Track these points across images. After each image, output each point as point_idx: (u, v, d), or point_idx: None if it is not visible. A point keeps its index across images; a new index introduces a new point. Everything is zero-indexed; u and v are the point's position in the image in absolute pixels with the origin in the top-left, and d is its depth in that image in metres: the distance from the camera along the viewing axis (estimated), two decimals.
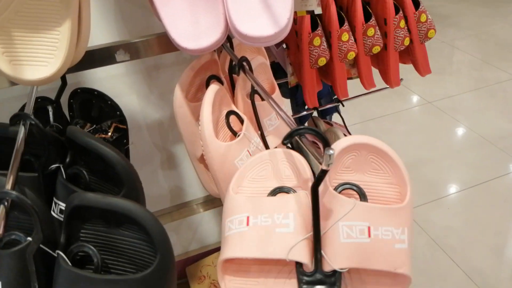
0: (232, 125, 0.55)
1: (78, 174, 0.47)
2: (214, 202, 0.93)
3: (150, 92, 0.77)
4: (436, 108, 2.02)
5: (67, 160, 0.48)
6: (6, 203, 0.37)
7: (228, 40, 0.60)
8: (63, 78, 0.60)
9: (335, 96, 0.91)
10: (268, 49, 0.88)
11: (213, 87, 0.52)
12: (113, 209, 0.35)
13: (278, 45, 0.87)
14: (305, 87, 0.82)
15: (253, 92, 0.55)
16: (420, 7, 0.79)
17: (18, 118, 0.44)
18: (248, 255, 0.37)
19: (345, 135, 0.94)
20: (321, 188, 0.38)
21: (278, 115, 0.45)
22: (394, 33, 0.78)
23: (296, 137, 0.39)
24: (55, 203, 0.47)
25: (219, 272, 0.40)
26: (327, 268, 0.37)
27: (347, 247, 0.36)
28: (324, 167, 0.35)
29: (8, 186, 0.39)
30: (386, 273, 0.38)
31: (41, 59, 0.40)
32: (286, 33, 0.46)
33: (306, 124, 1.09)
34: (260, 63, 0.59)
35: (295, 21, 0.75)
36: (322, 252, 0.37)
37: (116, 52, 0.60)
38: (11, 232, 0.39)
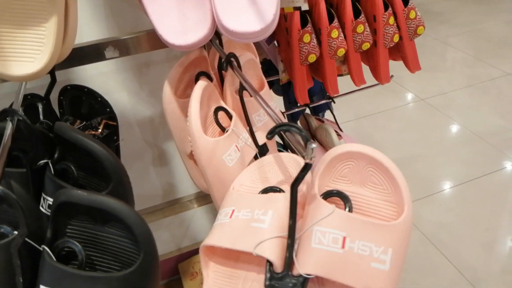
0: (221, 121, 0.56)
1: (66, 170, 0.47)
2: (206, 198, 0.93)
3: (141, 89, 0.77)
4: (429, 105, 2.03)
5: (56, 155, 0.48)
6: None
7: (218, 37, 0.60)
8: (52, 75, 0.60)
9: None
10: (259, 46, 0.88)
11: (201, 83, 0.52)
12: (98, 206, 0.35)
13: (269, 42, 0.87)
14: (295, 84, 0.82)
15: (241, 88, 0.55)
16: (409, 4, 0.80)
17: (5, 114, 0.45)
18: (221, 244, 0.38)
19: (336, 132, 0.94)
20: (308, 190, 0.38)
21: (265, 111, 0.46)
22: (383, 29, 0.79)
23: (282, 132, 0.40)
24: (44, 198, 0.48)
25: (201, 257, 0.40)
26: (295, 271, 0.35)
27: (317, 253, 0.34)
28: (307, 161, 0.36)
29: None
30: None
31: (28, 55, 0.40)
32: (273, 29, 0.46)
33: (298, 121, 1.10)
34: (249, 60, 0.59)
35: (285, 18, 0.75)
36: (295, 257, 0.36)
37: (106, 49, 0.61)
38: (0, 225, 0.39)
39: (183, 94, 0.62)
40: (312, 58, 0.77)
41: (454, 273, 1.26)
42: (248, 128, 0.57)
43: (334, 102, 0.99)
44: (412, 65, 0.87)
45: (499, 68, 2.25)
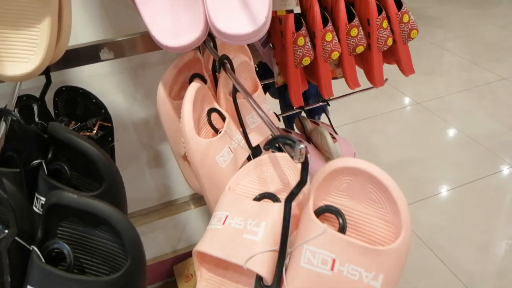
0: (214, 122, 0.56)
1: (59, 170, 0.48)
2: (201, 200, 0.93)
3: (136, 91, 0.78)
4: (425, 109, 2.04)
5: (49, 155, 0.48)
6: None
7: (212, 39, 0.61)
8: (48, 76, 0.61)
9: None
10: (254, 49, 0.89)
11: (194, 85, 0.53)
12: (88, 210, 0.36)
13: (265, 45, 0.88)
14: (290, 86, 0.83)
15: (234, 91, 0.55)
16: (403, 7, 0.81)
17: None
18: (212, 252, 0.37)
19: (331, 135, 0.95)
20: (304, 204, 0.37)
21: (257, 114, 0.46)
22: (377, 33, 0.80)
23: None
24: (37, 198, 0.48)
25: (194, 261, 0.40)
26: (284, 286, 0.35)
27: (305, 273, 0.34)
28: (296, 161, 0.36)
29: None
30: None
31: (22, 56, 0.40)
32: (265, 31, 0.47)
33: (294, 123, 1.11)
34: (242, 62, 0.59)
35: (280, 21, 0.76)
36: (283, 270, 0.35)
37: (101, 50, 0.61)
38: None
39: (178, 95, 0.62)
40: (306, 61, 0.77)
41: (450, 276, 1.26)
42: (241, 129, 0.58)
43: (329, 105, 1.00)
44: (406, 69, 0.88)
45: (495, 72, 2.27)
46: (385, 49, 0.82)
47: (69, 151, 0.47)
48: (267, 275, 0.35)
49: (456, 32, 2.72)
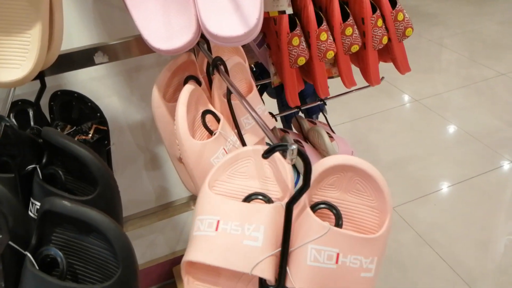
0: (209, 124, 0.56)
1: (54, 174, 0.48)
2: None
3: (131, 94, 0.78)
4: (424, 106, 2.04)
5: (44, 160, 0.48)
6: None
7: (206, 41, 0.61)
8: (42, 81, 0.61)
9: None
10: (250, 49, 0.89)
11: (188, 87, 0.53)
12: (80, 218, 0.35)
13: (260, 45, 0.88)
14: (286, 86, 0.83)
15: (228, 92, 0.56)
16: (397, 6, 0.81)
17: None
18: (211, 262, 0.37)
19: (328, 134, 0.95)
20: (298, 203, 0.38)
21: (251, 116, 0.46)
22: (372, 32, 0.80)
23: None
24: (32, 203, 0.48)
25: (182, 271, 0.39)
26: (289, 285, 0.37)
27: (312, 270, 0.36)
28: (288, 162, 0.36)
29: None
30: None
31: (13, 62, 0.40)
32: (256, 33, 0.47)
33: (291, 123, 1.11)
34: (236, 63, 0.60)
35: (274, 21, 0.76)
36: (287, 269, 0.37)
37: (95, 54, 0.61)
38: None
39: (172, 98, 0.62)
40: (301, 61, 0.77)
41: (450, 273, 1.26)
42: (236, 131, 0.58)
43: (325, 104, 1.00)
44: (402, 67, 0.88)
45: (493, 69, 2.27)
46: (380, 47, 0.82)
47: (63, 155, 0.47)
48: (272, 277, 0.36)
49: (454, 29, 2.72)
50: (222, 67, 0.52)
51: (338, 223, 0.39)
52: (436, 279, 1.25)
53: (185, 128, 0.50)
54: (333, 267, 0.36)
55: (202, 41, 0.57)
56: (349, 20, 0.78)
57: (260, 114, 0.63)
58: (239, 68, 0.62)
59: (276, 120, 0.99)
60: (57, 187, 0.47)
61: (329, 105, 1.05)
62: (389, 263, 1.30)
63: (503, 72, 2.23)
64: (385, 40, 0.82)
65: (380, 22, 0.80)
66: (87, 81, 0.74)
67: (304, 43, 0.76)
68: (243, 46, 0.83)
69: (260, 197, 0.41)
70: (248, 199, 0.41)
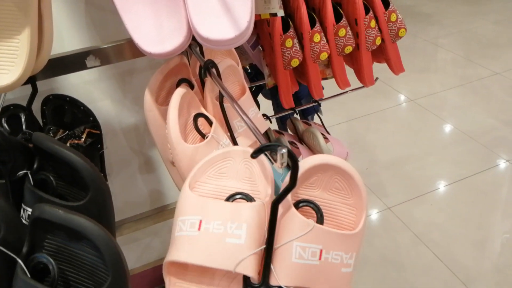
0: (201, 127, 0.56)
1: (45, 180, 0.48)
2: None
3: (124, 97, 0.78)
4: (420, 106, 2.04)
5: (35, 166, 0.48)
6: None
7: (198, 44, 0.60)
8: (33, 85, 0.60)
9: None
10: (244, 51, 0.89)
11: (180, 90, 0.53)
12: (69, 225, 0.35)
13: (254, 47, 0.88)
14: (280, 88, 0.83)
15: (221, 95, 0.55)
16: (390, 6, 0.81)
17: None
18: (194, 261, 0.37)
19: (323, 135, 0.95)
20: (282, 202, 0.38)
21: (242, 120, 0.46)
22: (365, 33, 0.80)
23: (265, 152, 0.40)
24: (24, 209, 0.48)
25: (164, 272, 0.39)
26: (273, 282, 0.37)
27: (297, 267, 0.37)
28: (278, 166, 0.36)
29: None
30: None
31: (2, 67, 0.40)
32: (248, 36, 0.47)
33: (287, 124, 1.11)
34: (228, 66, 0.59)
35: (268, 23, 0.76)
36: (272, 266, 0.37)
37: (86, 58, 0.61)
38: None
39: (165, 101, 0.62)
40: (295, 62, 0.77)
41: (447, 273, 1.26)
42: (228, 134, 0.58)
43: (320, 105, 1.00)
44: (396, 67, 0.88)
45: (489, 68, 2.27)
46: (373, 48, 0.82)
47: (54, 161, 0.46)
48: (255, 274, 0.37)
49: (449, 29, 2.73)
50: (214, 70, 0.52)
51: (320, 221, 0.40)
52: (433, 279, 1.25)
53: (177, 132, 0.50)
54: (317, 263, 0.37)
55: (194, 44, 0.57)
56: (342, 21, 0.78)
57: (253, 117, 0.63)
58: (232, 71, 0.61)
59: (271, 122, 0.99)
60: (49, 192, 0.47)
61: (325, 105, 1.05)
62: (386, 263, 1.30)
63: (499, 72, 2.24)
64: (378, 41, 0.82)
65: (373, 23, 0.80)
66: (80, 85, 0.74)
67: (297, 45, 0.76)
68: (237, 48, 0.83)
69: (242, 196, 0.41)
70: (229, 199, 0.41)
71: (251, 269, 0.37)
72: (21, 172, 0.48)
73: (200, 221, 0.38)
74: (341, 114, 2.01)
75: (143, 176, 0.88)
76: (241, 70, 0.66)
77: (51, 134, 0.63)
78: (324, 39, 0.78)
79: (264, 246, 0.38)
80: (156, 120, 0.59)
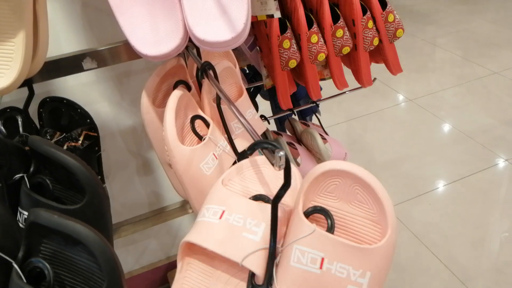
0: (199, 129, 0.56)
1: (42, 183, 0.47)
2: None
3: (122, 99, 0.77)
4: (418, 105, 2.04)
5: (31, 169, 0.48)
6: None
7: (195, 45, 0.60)
8: (30, 88, 0.60)
9: None
10: (242, 52, 0.89)
11: (177, 92, 0.52)
12: (64, 231, 0.35)
13: (252, 48, 0.88)
14: (278, 89, 0.83)
15: (218, 97, 0.55)
16: (388, 7, 0.81)
17: None
18: (208, 246, 0.37)
19: (321, 136, 0.95)
20: (294, 205, 0.38)
21: (239, 121, 0.46)
22: (362, 33, 0.80)
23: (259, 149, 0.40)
24: (20, 213, 0.48)
25: (179, 251, 0.40)
26: (274, 286, 0.36)
27: (295, 271, 0.35)
28: (276, 169, 0.36)
29: None
30: None
31: None
32: (244, 38, 0.47)
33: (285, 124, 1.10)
34: (226, 67, 0.59)
35: (265, 24, 0.76)
36: (274, 269, 0.36)
37: (83, 60, 0.61)
38: None
39: (162, 103, 0.62)
40: (292, 63, 0.77)
41: (446, 273, 1.26)
42: (226, 135, 0.57)
43: (318, 106, 1.00)
44: (394, 68, 0.88)
45: (487, 67, 2.28)
46: (371, 49, 0.82)
47: (50, 164, 0.46)
48: (261, 272, 0.36)
49: (447, 28, 2.73)
50: (211, 72, 0.52)
51: (330, 230, 0.38)
52: (432, 278, 1.25)
53: (174, 134, 0.50)
54: (317, 272, 0.35)
55: (191, 45, 0.56)
56: (339, 22, 0.78)
57: (250, 119, 0.63)
58: (229, 72, 0.61)
59: (269, 123, 0.99)
60: (45, 196, 0.47)
61: (324, 105, 1.05)
62: None
63: (496, 71, 2.24)
64: (376, 42, 0.82)
65: (370, 24, 0.80)
66: (77, 87, 0.74)
67: (295, 46, 0.76)
68: (235, 49, 0.83)
69: (264, 199, 0.42)
70: (254, 199, 0.42)
71: (257, 266, 0.36)
72: (18, 176, 0.48)
73: (223, 211, 0.39)
74: (339, 115, 2.01)
75: (141, 178, 0.87)
76: (238, 71, 0.66)
77: (48, 137, 0.63)
78: (322, 40, 0.78)
79: (268, 245, 0.37)
80: (153, 122, 0.59)
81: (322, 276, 0.35)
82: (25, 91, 0.61)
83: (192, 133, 0.56)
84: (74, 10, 0.68)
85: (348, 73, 0.87)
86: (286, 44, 0.75)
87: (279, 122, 1.18)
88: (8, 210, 0.47)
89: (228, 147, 0.57)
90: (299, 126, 1.01)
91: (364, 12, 0.79)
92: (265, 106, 1.11)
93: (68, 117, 0.66)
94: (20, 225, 0.48)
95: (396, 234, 0.36)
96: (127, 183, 0.87)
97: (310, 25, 0.76)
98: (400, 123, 1.95)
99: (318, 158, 0.95)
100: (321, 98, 0.89)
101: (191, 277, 0.41)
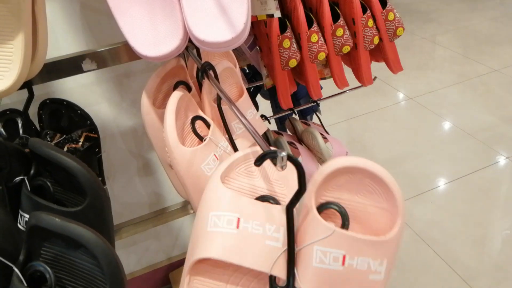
0: (199, 130, 0.56)
1: (42, 186, 0.47)
2: None
3: (122, 100, 0.77)
4: (418, 103, 2.04)
5: (32, 171, 0.48)
6: None
7: (195, 46, 0.60)
8: (30, 90, 0.60)
9: None
10: (242, 52, 0.88)
11: (177, 93, 0.52)
12: (66, 234, 0.35)
13: (252, 48, 0.88)
14: (278, 88, 0.82)
15: (218, 98, 0.55)
16: (388, 5, 0.80)
17: None
18: (232, 260, 0.36)
19: (322, 135, 0.95)
20: (306, 203, 0.38)
21: (240, 122, 0.46)
22: (363, 32, 0.79)
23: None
24: (21, 216, 0.47)
25: (188, 269, 0.38)
26: (297, 285, 0.37)
27: (318, 272, 0.36)
28: (279, 169, 0.36)
29: None
30: None
31: None
32: (244, 38, 0.47)
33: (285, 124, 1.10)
34: (226, 68, 0.59)
35: (265, 23, 0.75)
36: (296, 269, 0.37)
37: (83, 61, 0.60)
38: None
39: (162, 104, 0.62)
40: (292, 63, 0.77)
41: (447, 271, 1.26)
42: (227, 136, 0.57)
43: (318, 105, 1.00)
44: (394, 66, 0.88)
45: (487, 65, 2.27)
46: (371, 47, 0.82)
47: (51, 166, 0.46)
48: (284, 276, 0.37)
49: (447, 26, 2.73)
50: (211, 72, 0.52)
51: (345, 224, 0.38)
52: (434, 276, 1.25)
53: (174, 136, 0.50)
54: (340, 268, 0.36)
55: (191, 46, 0.56)
56: (339, 21, 0.78)
57: (251, 119, 0.63)
58: (229, 73, 0.61)
59: (269, 122, 0.99)
60: (46, 198, 0.47)
61: (324, 104, 1.04)
62: None
63: (497, 68, 2.24)
64: (376, 40, 0.81)
65: (370, 22, 0.79)
66: (76, 89, 0.73)
67: (295, 45, 0.76)
68: (235, 49, 0.82)
69: (271, 200, 0.41)
70: (260, 200, 0.41)
71: (280, 270, 0.37)
72: (18, 178, 0.47)
73: (238, 219, 0.38)
74: (340, 114, 2.01)
75: (142, 179, 0.87)
76: (238, 71, 0.65)
77: (48, 139, 0.63)
78: (322, 39, 0.77)
79: (286, 248, 0.38)
80: (153, 123, 0.59)
81: (345, 271, 0.36)
82: (24, 93, 0.61)
83: (193, 134, 0.55)
84: (73, 11, 0.67)
85: (348, 72, 0.86)
86: (286, 43, 0.75)
87: (280, 122, 1.18)
88: (9, 213, 0.47)
89: (229, 148, 0.57)
90: (300, 126, 1.00)
91: (364, 11, 0.78)
92: (265, 106, 1.11)
93: (68, 118, 0.65)
94: (21, 227, 0.48)
95: (404, 221, 0.37)
96: (128, 184, 0.87)
97: (310, 24, 0.76)
98: (400, 121, 1.95)
99: (319, 157, 0.95)
100: (322, 97, 0.89)
101: None
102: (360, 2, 0.78)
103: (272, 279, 0.38)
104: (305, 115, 1.15)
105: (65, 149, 0.63)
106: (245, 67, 1.02)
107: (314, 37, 0.76)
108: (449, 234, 1.37)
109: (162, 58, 0.48)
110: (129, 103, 0.78)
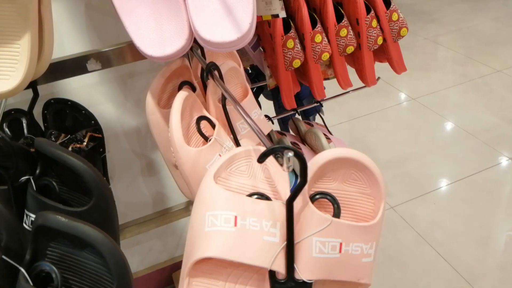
0: (204, 130, 0.56)
1: (48, 185, 0.47)
2: None
3: (126, 100, 0.77)
4: (421, 104, 2.04)
5: (37, 171, 0.48)
6: None
7: (200, 46, 0.60)
8: (35, 90, 0.60)
9: None
10: (245, 52, 0.88)
11: (182, 93, 0.52)
12: (73, 233, 0.35)
13: (255, 48, 0.88)
14: (281, 89, 0.82)
15: (223, 98, 0.55)
16: (392, 6, 0.80)
17: None
18: (232, 257, 0.37)
19: (325, 135, 0.95)
20: (299, 198, 0.38)
21: (245, 122, 0.46)
22: (366, 32, 0.79)
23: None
24: (27, 215, 0.48)
25: (188, 270, 0.38)
26: (297, 276, 0.38)
27: (318, 261, 0.38)
28: (284, 169, 0.36)
29: None
30: (349, 282, 0.40)
31: (3, 73, 0.40)
32: (249, 38, 0.47)
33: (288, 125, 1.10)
34: (230, 68, 0.59)
35: (269, 24, 0.75)
36: (294, 263, 0.38)
37: (87, 61, 0.61)
38: None
39: (167, 104, 0.62)
40: (296, 63, 0.77)
41: (451, 272, 1.26)
42: (231, 136, 0.57)
43: (322, 106, 0.99)
44: (398, 67, 0.88)
45: (489, 66, 2.27)
46: (375, 48, 0.82)
47: (56, 166, 0.46)
48: (283, 270, 0.38)
49: (449, 27, 2.73)
50: (216, 72, 0.52)
51: (337, 212, 0.40)
52: (437, 277, 1.25)
53: (180, 136, 0.50)
54: (337, 256, 0.38)
55: (196, 46, 0.56)
56: (343, 21, 0.78)
57: (256, 119, 0.63)
58: (234, 73, 0.61)
59: (272, 123, 0.99)
60: (52, 198, 0.47)
61: (327, 105, 1.04)
62: (389, 263, 1.29)
63: (499, 69, 2.23)
64: (380, 41, 0.81)
65: (374, 23, 0.79)
66: (81, 89, 0.73)
67: (299, 45, 0.76)
68: (238, 50, 0.82)
69: (259, 196, 0.41)
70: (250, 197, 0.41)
71: (279, 265, 0.38)
72: (24, 178, 0.48)
73: (236, 217, 0.38)
74: (342, 114, 2.01)
75: (146, 179, 0.87)
76: (243, 71, 0.65)
77: (53, 139, 0.63)
78: (326, 39, 0.77)
79: (285, 242, 0.39)
80: (158, 123, 0.59)
81: (341, 258, 0.38)
82: (29, 93, 0.61)
83: (198, 134, 0.55)
84: (78, 11, 0.67)
85: (351, 72, 0.86)
86: (290, 43, 0.75)
87: (282, 122, 1.18)
88: (14, 213, 0.47)
89: (234, 148, 0.57)
90: (303, 126, 1.00)
91: (368, 11, 0.78)
92: (268, 106, 1.11)
93: (72, 118, 0.66)
94: (27, 227, 0.48)
95: (385, 206, 0.41)
96: (132, 184, 0.87)
97: (314, 25, 0.76)
98: (403, 122, 1.95)
99: None
100: (325, 98, 0.89)
101: None
102: (364, 2, 0.78)
103: (272, 274, 0.39)
104: (308, 116, 1.15)
105: (70, 149, 0.63)
106: (248, 68, 1.02)
107: (318, 38, 0.76)
108: (452, 235, 1.37)
109: (168, 58, 0.48)
110: (133, 103, 0.78)
